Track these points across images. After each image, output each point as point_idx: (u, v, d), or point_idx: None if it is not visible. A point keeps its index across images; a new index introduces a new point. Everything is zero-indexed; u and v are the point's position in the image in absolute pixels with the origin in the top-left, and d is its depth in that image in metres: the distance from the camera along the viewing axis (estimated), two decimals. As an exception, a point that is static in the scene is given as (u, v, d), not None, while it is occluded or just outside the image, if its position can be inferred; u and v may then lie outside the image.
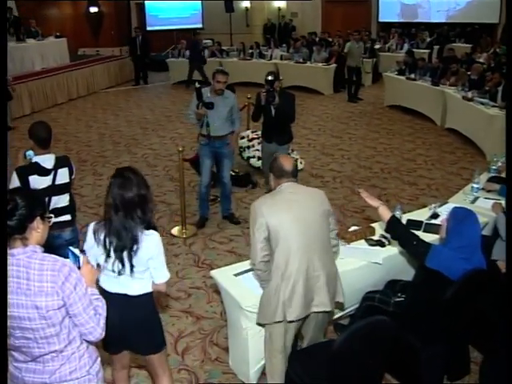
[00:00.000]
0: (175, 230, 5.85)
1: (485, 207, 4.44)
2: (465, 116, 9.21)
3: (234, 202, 6.60)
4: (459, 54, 14.14)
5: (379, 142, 9.19)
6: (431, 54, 16.16)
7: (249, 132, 8.18)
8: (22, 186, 2.56)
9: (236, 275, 3.44)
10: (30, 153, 3.81)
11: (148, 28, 18.13)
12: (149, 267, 2.74)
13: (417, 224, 4.08)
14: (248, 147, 7.86)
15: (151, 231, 2.73)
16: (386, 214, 3.38)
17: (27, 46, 13.30)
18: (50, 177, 3.76)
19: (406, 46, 16.12)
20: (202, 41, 16.06)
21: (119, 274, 2.71)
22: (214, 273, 3.55)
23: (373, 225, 4.09)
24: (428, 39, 17.04)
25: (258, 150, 7.65)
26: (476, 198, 4.67)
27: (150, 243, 2.70)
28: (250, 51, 15.39)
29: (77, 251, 2.29)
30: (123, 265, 2.68)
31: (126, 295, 2.77)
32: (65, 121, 11.19)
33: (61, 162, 3.84)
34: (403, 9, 19.11)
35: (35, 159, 3.74)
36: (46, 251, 2.21)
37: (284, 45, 16.78)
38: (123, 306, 2.74)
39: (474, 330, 3.46)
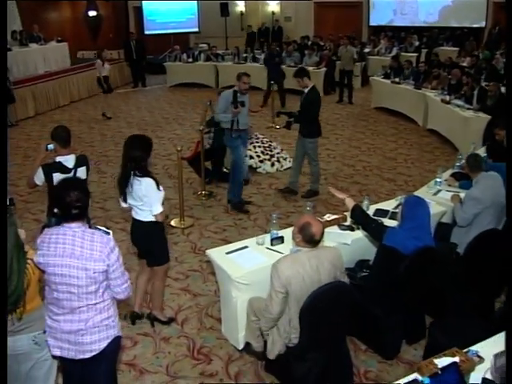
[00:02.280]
0: (174, 222, 6.48)
1: (445, 198, 5.10)
2: (443, 118, 9.88)
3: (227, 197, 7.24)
4: (446, 57, 14.79)
5: (364, 142, 9.85)
6: (419, 58, 16.76)
7: (242, 133, 8.80)
8: (74, 182, 3.17)
9: (227, 253, 4.08)
10: (51, 146, 4.44)
11: (146, 32, 18.70)
12: (145, 202, 3.95)
13: (384, 212, 4.72)
14: (241, 147, 8.47)
15: (144, 178, 3.92)
16: (350, 204, 4.18)
17: (30, 50, 13.88)
18: (71, 174, 4.36)
19: (394, 50, 16.64)
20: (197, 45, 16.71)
21: (130, 207, 4.10)
22: (208, 252, 4.19)
23: (345, 213, 4.73)
24: (416, 43, 17.59)
25: (249, 149, 8.31)
26: (438, 191, 5.32)
27: (141, 186, 3.91)
28: (244, 55, 15.99)
29: (104, 229, 2.93)
30: (126, 201, 4.05)
31: (137, 220, 4.13)
32: (68, 122, 11.73)
33: (80, 162, 4.46)
34: (394, 12, 19.69)
35: (58, 159, 4.35)
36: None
37: (278, 48, 17.42)
38: (138, 226, 4.16)
39: (428, 300, 4.09)
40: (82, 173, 4.47)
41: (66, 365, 3.02)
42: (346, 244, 4.22)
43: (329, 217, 4.56)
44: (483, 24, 18.42)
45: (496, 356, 2.50)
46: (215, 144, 7.69)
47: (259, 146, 8.60)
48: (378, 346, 4.13)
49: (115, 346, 3.00)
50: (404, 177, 7.99)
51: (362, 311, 3.83)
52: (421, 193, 5.22)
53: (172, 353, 4.12)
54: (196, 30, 19.65)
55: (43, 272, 2.81)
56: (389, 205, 4.99)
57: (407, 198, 4.03)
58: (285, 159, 8.59)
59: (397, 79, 11.94)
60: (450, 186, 5.40)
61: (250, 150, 8.36)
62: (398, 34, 18.74)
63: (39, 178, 4.36)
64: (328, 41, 17.44)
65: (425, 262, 3.77)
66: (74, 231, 2.79)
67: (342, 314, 3.44)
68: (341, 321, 3.47)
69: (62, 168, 4.36)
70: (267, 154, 8.53)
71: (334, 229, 4.42)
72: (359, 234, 4.34)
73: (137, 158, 3.94)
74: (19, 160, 9.07)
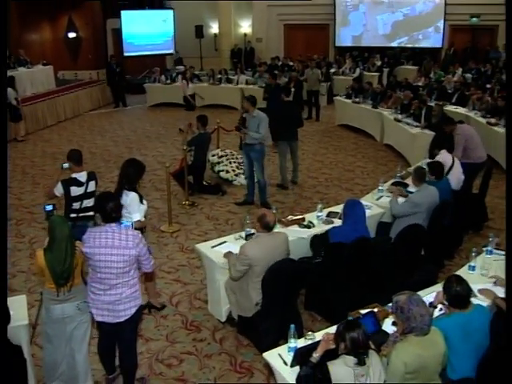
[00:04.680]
0: (164, 227, 7.61)
1: (385, 202, 6.35)
2: (396, 134, 11.23)
3: (208, 207, 8.42)
4: (403, 77, 16.23)
5: (327, 157, 11.14)
6: (381, 77, 18.17)
7: (218, 150, 10.04)
8: (110, 196, 4.25)
9: (212, 247, 5.27)
10: (66, 165, 5.55)
11: (125, 54, 19.66)
12: (129, 211, 4.89)
13: (335, 214, 5.97)
14: (218, 163, 9.66)
15: (130, 192, 5.00)
16: None
17: (18, 73, 14.81)
18: (84, 187, 5.50)
19: (358, 70, 17.90)
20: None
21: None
22: (197, 246, 5.41)
23: (305, 215, 5.95)
24: (379, 63, 18.93)
25: (226, 165, 9.54)
26: (380, 197, 6.60)
27: (127, 197, 4.95)
28: (219, 76, 17.15)
29: (125, 221, 4.14)
30: None
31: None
32: (58, 141, 12.84)
33: (90, 177, 5.60)
34: (358, 34, 20.99)
35: (74, 175, 5.49)
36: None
37: (250, 69, 18.69)
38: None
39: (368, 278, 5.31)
40: (92, 185, 5.61)
41: (104, 327, 4.16)
42: (303, 238, 5.44)
43: (291, 218, 5.77)
44: (440, 45, 19.96)
45: (395, 296, 3.58)
46: (195, 161, 8.86)
47: (234, 162, 9.78)
48: (330, 316, 5.30)
49: (139, 311, 4.19)
50: (360, 187, 9.24)
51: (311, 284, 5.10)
52: (366, 198, 6.51)
53: (170, 326, 5.26)
54: (172, 51, 20.77)
55: (88, 259, 3.96)
56: (338, 208, 6.20)
57: (347, 201, 5.29)
58: (257, 173, 9.78)
59: (357, 99, 13.26)
60: (391, 192, 6.65)
61: (226, 165, 9.58)
62: (362, 54, 20.02)
63: (59, 190, 5.47)
64: (297, 62, 18.71)
65: (361, 248, 5.00)
66: (113, 229, 3.94)
67: (294, 283, 4.71)
68: (293, 288, 4.72)
69: (77, 182, 5.49)
70: (241, 168, 9.69)
71: (295, 227, 5.66)
72: (315, 230, 5.57)
73: (130, 177, 5.08)
74: (19, 176, 10.10)
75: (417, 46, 20.32)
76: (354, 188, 9.20)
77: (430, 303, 3.77)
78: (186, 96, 14.45)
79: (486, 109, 11.42)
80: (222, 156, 9.80)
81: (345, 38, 21.24)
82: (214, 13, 21.42)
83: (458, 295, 3.55)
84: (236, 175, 9.56)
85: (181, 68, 18.17)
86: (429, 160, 7.15)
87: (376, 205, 6.33)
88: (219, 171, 9.58)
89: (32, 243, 7.20)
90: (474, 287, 4.41)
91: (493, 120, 10.63)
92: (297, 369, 3.45)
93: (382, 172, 10.09)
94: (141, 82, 18.37)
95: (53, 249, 3.84)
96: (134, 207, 5.00)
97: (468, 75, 16.40)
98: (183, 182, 8.54)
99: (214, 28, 21.92)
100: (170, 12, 20.33)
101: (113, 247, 3.89)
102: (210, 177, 9.46)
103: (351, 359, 3.09)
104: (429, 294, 4.16)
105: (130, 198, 4.99)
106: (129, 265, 3.94)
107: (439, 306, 3.83)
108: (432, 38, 20.03)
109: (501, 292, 4.30)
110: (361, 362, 3.07)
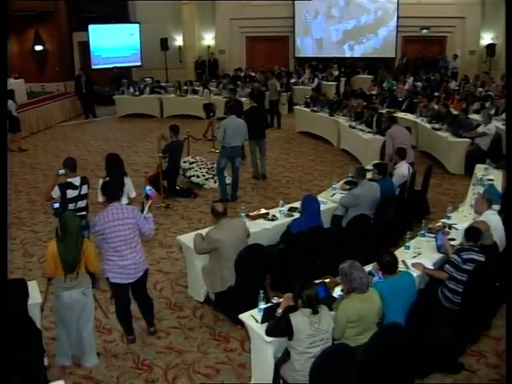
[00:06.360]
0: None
1: (338, 198, 7.37)
2: (351, 140, 12.32)
3: (182, 208, 9.31)
4: (358, 87, 17.40)
5: (288, 162, 12.17)
6: (338, 86, 19.27)
7: (189, 157, 10.95)
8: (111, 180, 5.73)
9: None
10: (62, 171, 6.38)
11: (93, 66, 20.33)
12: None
13: (294, 209, 6.94)
14: (189, 168, 10.57)
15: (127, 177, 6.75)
16: None
17: (-9, 87, 15.41)
18: (78, 190, 6.35)
19: (316, 80, 18.84)
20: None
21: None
22: (179, 237, 6.35)
23: (269, 211, 6.92)
24: (336, 72, 19.97)
25: (196, 170, 10.44)
26: (334, 194, 7.64)
27: (127, 181, 6.67)
28: (185, 87, 18.00)
29: (149, 188, 5.49)
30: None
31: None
32: (34, 152, 13.51)
33: (83, 181, 6.44)
34: (316, 45, 22.01)
35: (69, 180, 6.32)
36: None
37: (214, 80, 19.59)
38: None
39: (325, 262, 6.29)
40: (85, 189, 6.46)
41: (119, 288, 5.23)
42: (268, 229, 6.43)
43: (258, 212, 6.75)
44: (393, 55, 21.23)
45: (340, 264, 4.55)
46: (169, 167, 9.74)
47: (204, 168, 10.68)
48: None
49: (146, 272, 5.43)
50: (318, 187, 10.23)
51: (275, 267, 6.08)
52: (322, 195, 7.54)
53: (156, 307, 6.06)
54: (139, 63, 21.55)
55: (102, 235, 4.94)
56: (298, 204, 7.14)
57: (304, 196, 6.31)
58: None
59: (315, 108, 14.35)
60: (344, 190, 7.70)
61: (196, 170, 10.49)
62: (320, 64, 20.99)
63: (56, 193, 6.29)
64: (259, 72, 19.69)
65: (316, 235, 5.99)
66: (116, 206, 5.09)
67: (262, 264, 5.69)
68: (261, 269, 5.73)
69: (72, 186, 6.33)
70: (210, 173, 10.59)
71: (261, 220, 6.67)
72: (277, 222, 6.57)
73: (121, 167, 7.06)
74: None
75: (370, 55, 21.43)
76: (313, 189, 10.19)
77: (369, 271, 4.78)
78: (206, 104, 15.45)
79: (431, 115, 12.64)
80: (192, 162, 10.71)
81: (304, 48, 22.22)
82: (178, 26, 22.21)
83: (388, 264, 4.57)
84: (206, 179, 10.45)
85: (148, 80, 18.95)
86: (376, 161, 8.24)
87: (330, 200, 7.38)
88: (191, 176, 10.47)
89: (24, 244, 7.97)
90: (409, 262, 5.48)
91: (437, 125, 11.83)
92: (266, 325, 4.39)
93: (338, 174, 11.06)
94: (109, 93, 19.09)
95: (64, 239, 4.69)
96: (131, 187, 6.74)
97: (419, 83, 17.67)
98: (159, 186, 9.40)
99: (179, 40, 22.70)
100: (137, 26, 21.16)
101: (119, 219, 4.97)
102: (182, 181, 10.35)
103: (307, 310, 4.05)
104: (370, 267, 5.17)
105: (129, 182, 6.82)
106: (133, 231, 5.08)
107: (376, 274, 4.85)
108: (385, 47, 21.16)
109: (428, 264, 5.38)
110: (314, 312, 4.03)
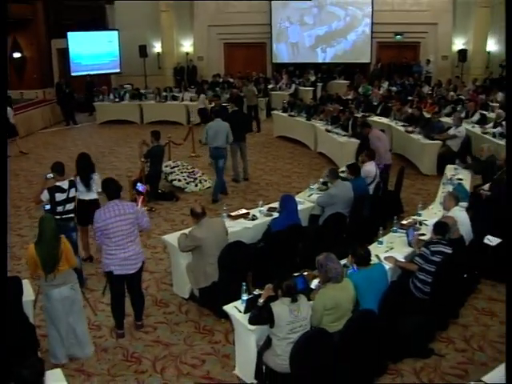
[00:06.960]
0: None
1: (314, 198, 7.73)
2: (328, 143, 12.70)
3: (164, 211, 9.59)
4: (335, 92, 17.83)
5: (267, 165, 12.53)
6: (315, 91, 19.67)
7: (170, 162, 11.25)
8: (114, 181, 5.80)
9: (176, 238, 6.48)
10: (50, 175, 6.62)
11: (72, 74, 20.37)
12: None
13: (273, 209, 7.27)
14: (171, 173, 10.85)
15: (95, 174, 7.17)
16: None
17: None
18: (66, 193, 6.59)
19: (293, 86, 19.24)
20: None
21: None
22: (164, 237, 6.65)
23: (249, 211, 7.24)
24: (313, 78, 20.38)
25: (178, 174, 10.72)
26: (311, 194, 8.00)
27: (95, 177, 7.09)
28: (164, 94, 18.23)
29: (140, 185, 5.97)
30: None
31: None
32: (16, 159, 13.61)
33: (71, 185, 6.69)
34: (292, 50, 22.30)
35: (58, 183, 6.57)
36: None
37: (193, 86, 19.88)
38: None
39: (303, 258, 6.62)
40: (72, 192, 6.72)
41: (118, 279, 5.54)
42: (248, 228, 6.75)
43: (239, 212, 7.08)
44: (368, 60, 21.71)
45: (317, 257, 4.90)
46: (151, 171, 10.00)
47: (185, 172, 10.97)
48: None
49: (143, 265, 5.78)
50: (296, 189, 10.54)
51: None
52: (300, 196, 7.89)
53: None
54: (118, 70, 21.72)
55: (103, 231, 5.27)
56: (276, 204, 7.47)
57: (282, 196, 6.65)
58: (205, 181, 10.99)
59: (293, 113, 14.73)
60: (321, 190, 8.07)
61: (178, 174, 10.76)
62: (297, 70, 21.32)
63: (45, 196, 6.52)
64: (237, 79, 20.03)
65: (294, 232, 6.33)
66: (116, 203, 5.44)
67: (244, 261, 6.01)
68: (243, 264, 6.04)
69: (61, 189, 6.58)
70: (191, 177, 10.88)
71: (242, 220, 6.98)
72: (257, 221, 6.89)
73: (91, 166, 7.33)
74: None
75: (345, 60, 21.82)
76: (291, 190, 10.47)
77: (344, 264, 5.14)
78: (202, 109, 15.95)
79: (405, 119, 13.10)
80: (174, 167, 11.00)
81: (280, 54, 22.53)
82: (156, 33, 22.38)
83: (362, 256, 4.93)
84: (187, 183, 10.73)
85: (128, 87, 19.16)
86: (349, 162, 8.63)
87: (308, 200, 7.73)
88: (172, 180, 10.75)
89: (12, 247, 8.15)
90: (381, 256, 5.84)
91: (410, 128, 12.29)
92: (249, 314, 4.70)
93: (315, 176, 11.38)
94: (87, 100, 19.23)
95: (41, 241, 4.99)
96: (99, 182, 6.84)
97: (394, 88, 18.17)
98: (142, 190, 9.65)
99: (157, 47, 22.86)
100: (115, 33, 21.29)
101: (119, 215, 5.33)
102: (164, 185, 10.61)
103: (287, 299, 4.37)
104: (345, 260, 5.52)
105: (97, 178, 7.13)
106: (133, 225, 5.47)
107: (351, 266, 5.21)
108: (355, 50, 21.55)
109: (400, 257, 5.76)
110: (293, 301, 4.35)
